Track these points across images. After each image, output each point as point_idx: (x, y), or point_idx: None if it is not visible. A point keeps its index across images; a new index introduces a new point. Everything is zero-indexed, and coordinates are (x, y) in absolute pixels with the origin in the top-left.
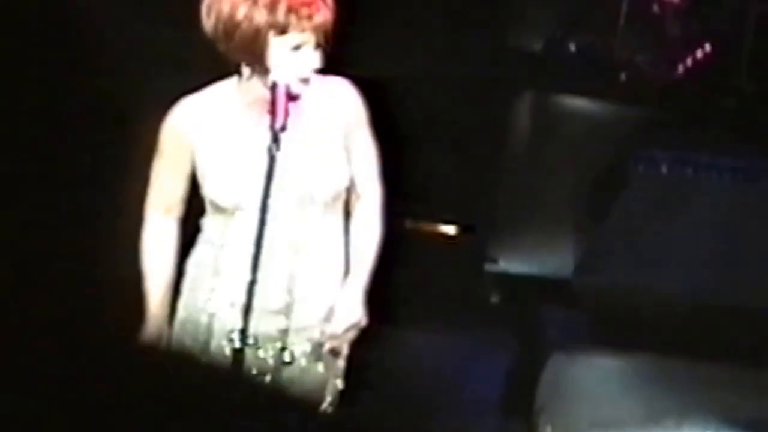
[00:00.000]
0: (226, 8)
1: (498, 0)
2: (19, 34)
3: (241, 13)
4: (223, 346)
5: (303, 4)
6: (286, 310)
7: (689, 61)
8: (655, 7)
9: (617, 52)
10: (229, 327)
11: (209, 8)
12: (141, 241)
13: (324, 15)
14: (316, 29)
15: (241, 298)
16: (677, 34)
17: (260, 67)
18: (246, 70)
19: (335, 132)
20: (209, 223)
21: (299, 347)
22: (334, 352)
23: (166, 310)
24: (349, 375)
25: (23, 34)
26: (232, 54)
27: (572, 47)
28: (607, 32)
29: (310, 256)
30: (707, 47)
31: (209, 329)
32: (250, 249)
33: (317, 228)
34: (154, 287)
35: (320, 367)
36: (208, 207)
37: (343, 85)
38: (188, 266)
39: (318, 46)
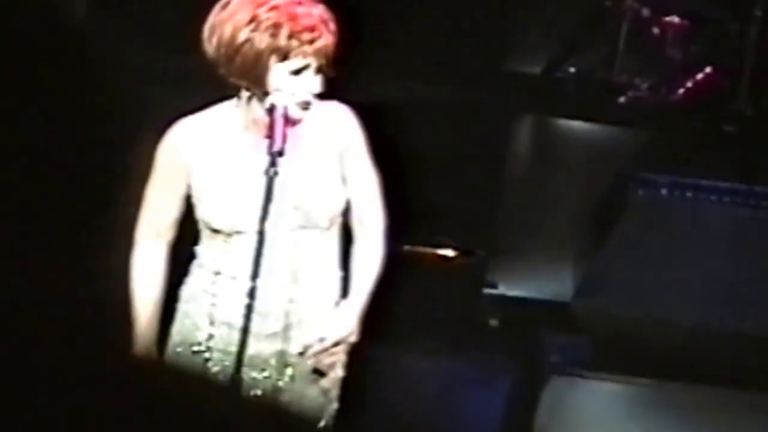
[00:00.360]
0: (227, 31)
1: (497, 24)
2: (15, 55)
3: (242, 37)
4: (219, 369)
5: (305, 29)
6: (283, 334)
7: (690, 84)
8: (656, 30)
9: (617, 75)
10: (225, 350)
11: (211, 31)
12: (131, 263)
13: (326, 39)
14: (317, 54)
15: (238, 322)
16: (677, 57)
17: (260, 90)
18: (245, 93)
19: (332, 156)
20: (203, 248)
21: (296, 370)
22: (321, 369)
23: (153, 333)
24: (345, 398)
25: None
26: (233, 77)
27: (571, 71)
28: (607, 55)
29: (307, 280)
30: (708, 70)
31: (205, 353)
32: (247, 273)
33: (314, 252)
34: (142, 309)
35: (316, 390)
36: (203, 231)
37: (341, 110)
38: (182, 292)
39: (319, 70)
